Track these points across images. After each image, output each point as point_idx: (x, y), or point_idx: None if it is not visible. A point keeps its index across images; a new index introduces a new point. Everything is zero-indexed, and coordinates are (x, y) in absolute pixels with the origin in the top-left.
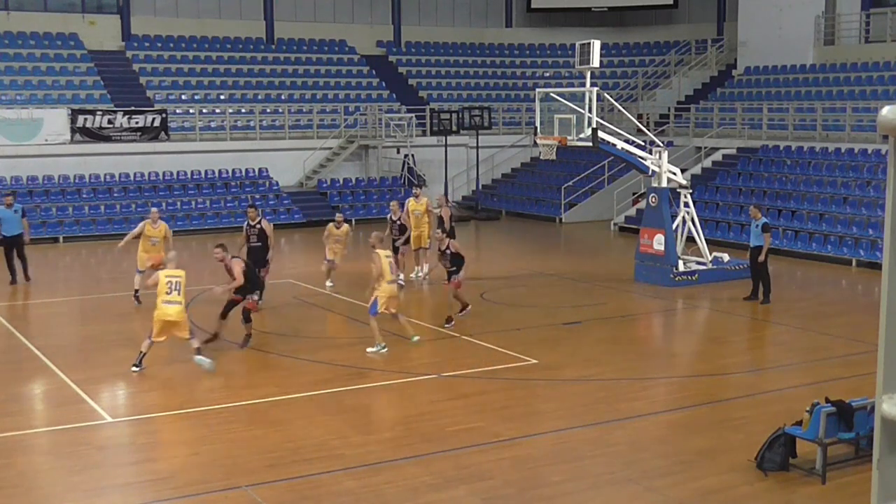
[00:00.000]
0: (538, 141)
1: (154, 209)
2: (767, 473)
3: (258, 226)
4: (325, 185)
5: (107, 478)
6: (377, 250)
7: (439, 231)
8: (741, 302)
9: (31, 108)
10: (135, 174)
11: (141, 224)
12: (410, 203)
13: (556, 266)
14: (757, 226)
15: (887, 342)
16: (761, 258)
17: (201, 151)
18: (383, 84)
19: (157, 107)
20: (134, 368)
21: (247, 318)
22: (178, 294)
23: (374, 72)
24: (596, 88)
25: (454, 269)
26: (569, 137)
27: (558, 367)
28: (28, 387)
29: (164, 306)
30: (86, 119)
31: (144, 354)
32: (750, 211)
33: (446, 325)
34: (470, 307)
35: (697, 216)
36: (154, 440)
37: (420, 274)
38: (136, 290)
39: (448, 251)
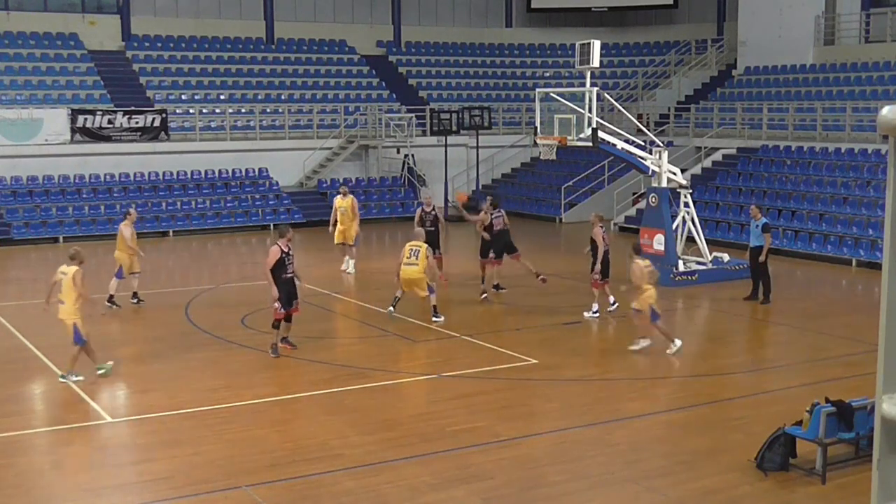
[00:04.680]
0: (538, 141)
1: (132, 210)
2: (767, 473)
3: (433, 212)
4: (325, 185)
5: (107, 478)
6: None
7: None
8: (741, 302)
9: (31, 108)
10: (135, 174)
11: (131, 230)
12: (337, 200)
13: (556, 266)
14: (757, 226)
15: (887, 342)
16: (762, 258)
17: (201, 151)
18: (383, 84)
19: (157, 107)
20: (391, 309)
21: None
22: (416, 259)
23: (374, 72)
24: (596, 88)
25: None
26: (569, 137)
27: (558, 367)
28: (28, 387)
29: (405, 268)
30: (86, 119)
31: (398, 299)
32: (750, 211)
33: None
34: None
35: (697, 216)
36: (154, 440)
37: (349, 269)
38: (131, 295)
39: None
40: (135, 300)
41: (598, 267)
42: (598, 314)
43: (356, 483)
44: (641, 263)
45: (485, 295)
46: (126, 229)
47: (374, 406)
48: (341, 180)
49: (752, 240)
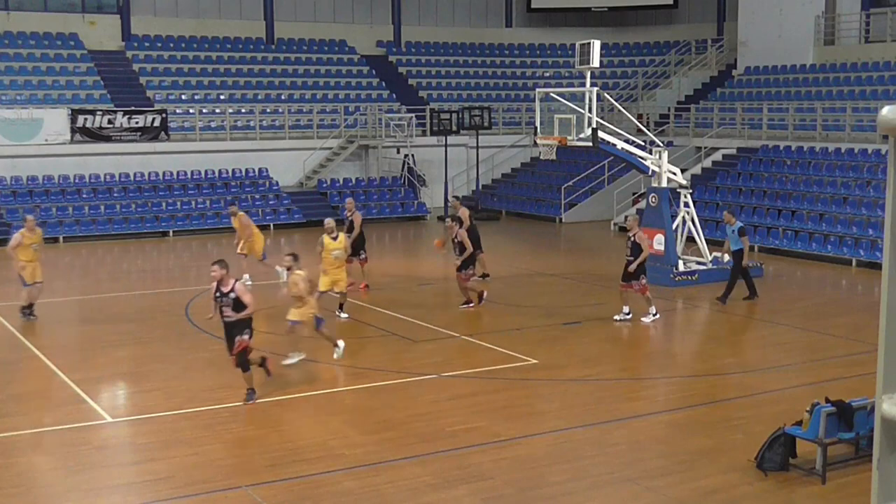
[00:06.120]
0: (538, 141)
1: (29, 216)
2: (767, 473)
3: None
4: (325, 185)
5: (107, 478)
6: None
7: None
8: (741, 302)
9: (31, 108)
10: (135, 174)
11: (18, 235)
12: (232, 219)
13: (556, 266)
14: (733, 230)
15: (887, 342)
16: (745, 262)
17: (201, 151)
18: (383, 84)
19: (157, 107)
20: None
21: (245, 364)
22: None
23: (374, 72)
24: (596, 88)
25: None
26: (569, 137)
27: (558, 367)
28: (28, 387)
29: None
30: (86, 119)
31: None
32: (724, 217)
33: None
34: (484, 294)
35: (697, 216)
36: (154, 440)
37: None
38: (27, 306)
39: (456, 239)
40: (27, 312)
41: (632, 268)
42: (657, 315)
43: (356, 483)
44: (303, 274)
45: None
46: (16, 236)
47: (374, 406)
48: (341, 181)
49: (732, 244)
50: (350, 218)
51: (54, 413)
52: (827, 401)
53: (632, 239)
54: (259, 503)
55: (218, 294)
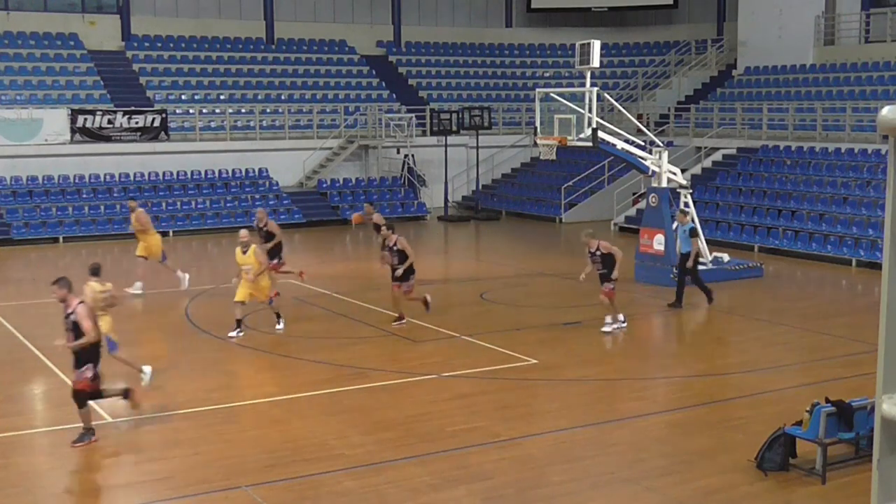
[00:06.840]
0: (538, 141)
1: None
2: (767, 473)
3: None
4: (325, 185)
5: (107, 478)
6: None
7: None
8: (740, 302)
9: (31, 108)
10: (135, 174)
11: None
12: (131, 216)
13: (556, 266)
14: (685, 230)
15: (887, 342)
16: (689, 263)
17: (201, 151)
18: (383, 84)
19: (157, 107)
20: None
21: (82, 402)
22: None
23: (374, 72)
24: (596, 88)
25: (399, 269)
26: (569, 137)
27: (558, 367)
28: (28, 387)
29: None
30: (86, 119)
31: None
32: (676, 216)
33: (395, 324)
34: (429, 298)
35: (697, 216)
36: (154, 440)
37: (139, 289)
38: None
39: (395, 247)
40: None
41: (615, 274)
42: (623, 324)
43: (356, 483)
44: (97, 287)
45: (401, 322)
46: None
47: (374, 406)
48: (341, 181)
49: (683, 245)
50: (265, 228)
51: (54, 413)
52: (827, 401)
53: (599, 252)
54: (259, 503)
55: (64, 316)
